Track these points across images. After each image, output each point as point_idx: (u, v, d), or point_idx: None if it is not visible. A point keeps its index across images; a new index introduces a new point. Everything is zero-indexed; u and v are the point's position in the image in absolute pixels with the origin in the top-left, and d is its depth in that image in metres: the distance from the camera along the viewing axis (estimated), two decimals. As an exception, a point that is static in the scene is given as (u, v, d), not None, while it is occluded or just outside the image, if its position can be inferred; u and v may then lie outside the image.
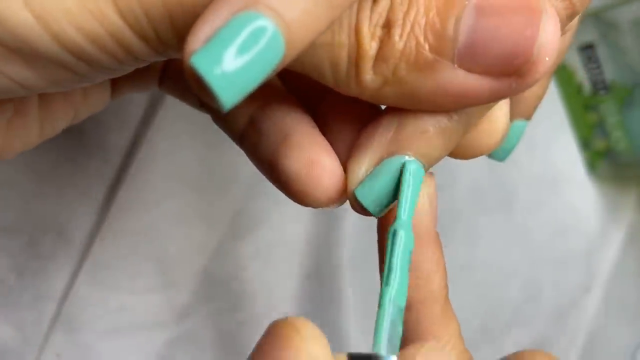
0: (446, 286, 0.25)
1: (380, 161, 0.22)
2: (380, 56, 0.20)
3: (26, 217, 0.35)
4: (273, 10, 0.17)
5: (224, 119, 0.25)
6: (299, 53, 0.18)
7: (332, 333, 0.41)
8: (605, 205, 0.47)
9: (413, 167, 0.22)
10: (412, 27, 0.20)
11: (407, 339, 0.24)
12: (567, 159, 0.47)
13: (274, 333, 0.19)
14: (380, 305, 0.22)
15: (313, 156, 0.23)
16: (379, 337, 0.21)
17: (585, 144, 0.46)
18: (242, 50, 0.16)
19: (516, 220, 0.45)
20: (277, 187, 0.24)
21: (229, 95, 0.16)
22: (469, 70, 0.20)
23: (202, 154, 0.38)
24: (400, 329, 0.22)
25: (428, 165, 0.22)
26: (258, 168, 0.25)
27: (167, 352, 0.38)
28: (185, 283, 0.38)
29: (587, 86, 0.45)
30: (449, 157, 0.37)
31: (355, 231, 0.41)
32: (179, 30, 0.19)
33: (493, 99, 0.21)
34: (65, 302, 0.36)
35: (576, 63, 0.45)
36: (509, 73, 0.20)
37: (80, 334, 0.36)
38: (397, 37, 0.20)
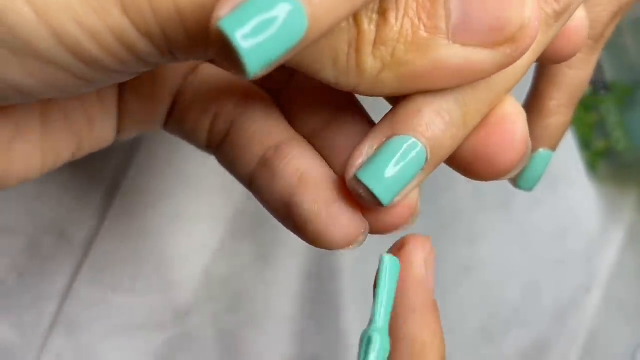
0: (443, 358, 0.24)
1: (380, 144, 0.22)
2: (378, 39, 0.20)
3: (26, 218, 0.35)
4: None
5: (232, 161, 0.25)
6: (320, 36, 0.18)
7: (332, 333, 0.41)
8: (605, 206, 0.47)
9: (387, 261, 0.22)
10: (406, 11, 0.20)
11: None
12: (567, 159, 0.47)
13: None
14: None
15: (331, 195, 0.23)
16: None
17: (585, 144, 0.46)
18: (267, 20, 0.17)
19: (516, 220, 0.45)
20: (291, 229, 0.24)
21: (253, 62, 0.17)
22: (464, 44, 0.20)
23: (202, 154, 0.38)
24: None
25: (432, 152, 0.22)
26: (269, 210, 0.24)
27: (167, 352, 0.38)
28: (185, 283, 0.38)
29: (587, 86, 0.45)
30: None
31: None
32: (188, 27, 0.19)
33: (492, 70, 0.21)
34: (66, 302, 0.36)
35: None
36: (503, 41, 0.21)
37: (80, 334, 0.37)
38: (393, 20, 0.20)
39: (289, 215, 0.23)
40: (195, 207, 0.38)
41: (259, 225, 0.40)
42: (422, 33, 0.20)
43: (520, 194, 0.45)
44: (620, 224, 0.48)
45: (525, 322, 0.46)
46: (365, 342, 0.21)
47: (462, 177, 0.41)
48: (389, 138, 0.22)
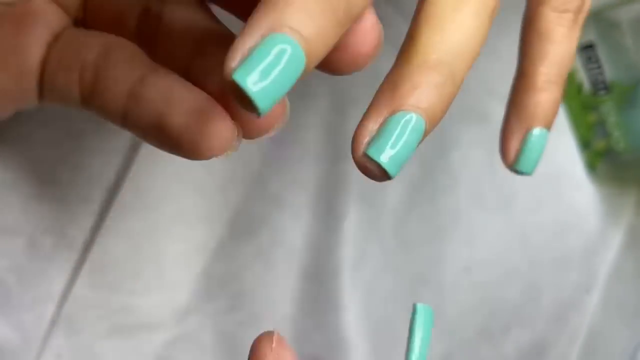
0: None
1: (385, 120, 0.23)
2: None
3: (26, 218, 0.35)
4: (295, 31, 0.20)
5: (103, 105, 0.25)
6: (316, 63, 0.20)
7: (332, 334, 0.41)
8: (605, 205, 0.47)
9: (423, 311, 0.23)
10: None
11: None
12: (567, 159, 0.47)
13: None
14: None
15: (200, 107, 0.24)
16: None
17: (585, 144, 0.46)
18: (272, 65, 0.19)
19: (516, 220, 0.45)
20: (167, 149, 0.25)
21: (265, 104, 0.19)
22: None
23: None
24: None
25: (429, 121, 0.23)
26: (146, 140, 0.25)
27: (166, 353, 0.38)
28: (185, 283, 0.38)
29: (587, 86, 0.45)
30: (449, 158, 0.37)
31: (355, 231, 0.41)
32: None
33: None
34: (65, 302, 0.36)
35: (576, 63, 0.45)
36: None
37: (80, 335, 0.37)
38: None
39: (163, 136, 0.24)
40: (195, 207, 0.38)
41: (259, 225, 0.40)
42: None
43: (520, 194, 0.45)
44: (620, 224, 0.47)
45: (525, 322, 0.46)
46: None
47: (463, 177, 0.41)
48: (390, 114, 0.23)
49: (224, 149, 0.24)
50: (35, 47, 0.26)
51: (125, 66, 0.25)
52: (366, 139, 0.23)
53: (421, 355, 0.22)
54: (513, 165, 0.31)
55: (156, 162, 0.37)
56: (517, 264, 0.45)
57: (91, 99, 0.25)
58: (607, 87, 0.44)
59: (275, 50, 0.19)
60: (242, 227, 0.39)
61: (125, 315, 0.37)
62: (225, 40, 0.25)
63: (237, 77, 0.19)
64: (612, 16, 0.43)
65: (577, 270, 0.47)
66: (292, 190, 0.40)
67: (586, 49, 0.44)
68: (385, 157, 0.23)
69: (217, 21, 0.26)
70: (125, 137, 0.36)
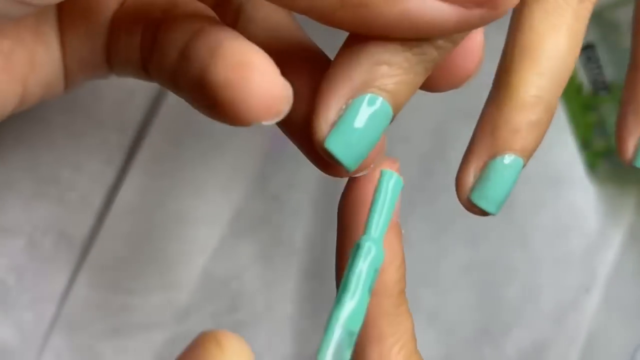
0: (402, 280, 0.24)
1: (485, 165, 0.23)
2: None
3: (26, 218, 0.35)
4: (382, 90, 0.20)
5: (156, 71, 0.23)
6: (402, 107, 0.21)
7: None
8: (605, 206, 0.47)
9: (394, 179, 0.22)
10: None
11: None
12: (567, 159, 0.47)
13: (197, 345, 0.18)
14: (327, 327, 0.19)
15: (242, 58, 0.20)
16: None
17: (585, 144, 0.46)
18: (362, 126, 0.20)
19: (516, 220, 0.45)
20: (211, 113, 0.21)
21: (355, 164, 0.21)
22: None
23: (202, 153, 0.38)
24: (347, 355, 0.19)
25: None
26: (194, 105, 0.22)
27: (166, 353, 0.38)
28: (185, 283, 0.38)
29: (587, 86, 0.45)
30: (449, 158, 0.37)
31: (355, 231, 0.41)
32: None
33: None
34: (65, 303, 0.36)
35: (576, 63, 0.45)
36: (482, 3, 0.20)
37: (80, 335, 0.36)
38: None
39: (205, 96, 0.21)
40: (196, 207, 0.38)
41: (259, 225, 0.40)
42: None
43: (520, 194, 0.45)
44: (620, 224, 0.47)
45: (525, 322, 0.46)
46: (355, 251, 0.20)
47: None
48: (490, 158, 0.24)
49: (268, 111, 0.20)
50: (103, 7, 0.24)
51: (184, 23, 0.22)
52: (469, 185, 0.24)
53: (383, 225, 0.21)
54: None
55: (156, 162, 0.37)
56: (517, 264, 0.45)
57: (149, 62, 0.23)
58: (607, 87, 0.44)
59: (364, 112, 0.20)
60: (242, 227, 0.39)
61: (125, 315, 0.37)
62: (309, 55, 0.23)
63: (330, 146, 0.20)
64: (612, 16, 0.42)
65: (577, 270, 0.47)
66: (292, 190, 0.40)
67: (586, 49, 0.44)
68: (487, 204, 0.24)
69: (304, 33, 0.24)
70: (125, 137, 0.36)
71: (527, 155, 0.24)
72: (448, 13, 0.20)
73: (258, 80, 0.20)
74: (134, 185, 0.36)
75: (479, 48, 0.23)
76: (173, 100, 0.36)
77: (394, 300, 0.23)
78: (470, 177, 0.24)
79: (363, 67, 0.21)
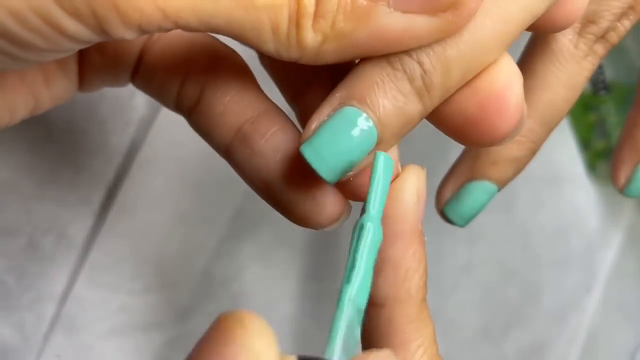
0: (425, 287, 0.24)
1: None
2: (318, 13, 0.20)
3: (26, 218, 0.35)
4: (363, 105, 0.21)
5: (206, 130, 0.25)
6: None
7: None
8: (605, 205, 0.47)
9: (383, 159, 0.21)
10: None
11: (377, 338, 0.23)
12: (567, 159, 0.47)
13: (219, 326, 0.18)
14: (338, 305, 0.21)
15: (315, 181, 0.23)
16: (333, 341, 0.20)
17: (585, 144, 0.46)
18: (337, 136, 0.21)
19: (516, 220, 0.45)
20: (275, 207, 0.24)
21: (330, 175, 0.21)
22: (405, 11, 0.20)
23: (202, 153, 0.38)
24: (358, 333, 0.20)
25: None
26: (250, 185, 0.25)
27: (166, 353, 0.38)
28: (185, 283, 0.38)
29: (587, 86, 0.45)
30: (449, 158, 0.37)
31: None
32: (120, 6, 0.18)
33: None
34: (65, 303, 0.36)
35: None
36: (444, 7, 0.20)
37: (80, 335, 0.36)
38: None
39: (271, 195, 0.24)
40: (195, 207, 0.38)
41: (259, 225, 0.40)
42: (362, 1, 0.20)
43: (520, 194, 0.45)
44: (620, 224, 0.47)
45: (525, 322, 0.46)
46: (358, 231, 0.21)
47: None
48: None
49: (333, 223, 0.24)
50: (132, 49, 0.25)
51: (236, 95, 0.24)
52: (446, 199, 0.29)
53: (380, 203, 0.21)
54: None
55: (156, 162, 0.37)
56: (517, 264, 0.45)
57: (191, 117, 0.25)
58: (607, 87, 0.44)
59: (340, 123, 0.21)
60: (242, 227, 0.39)
61: (125, 315, 0.37)
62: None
63: (303, 150, 0.21)
64: (612, 16, 0.42)
65: (577, 270, 0.47)
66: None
67: (586, 49, 0.44)
68: (457, 218, 0.30)
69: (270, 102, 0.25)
70: (125, 137, 0.36)
71: (502, 184, 0.27)
72: (417, 23, 0.20)
73: (329, 204, 0.23)
74: (134, 185, 0.36)
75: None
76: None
77: (417, 307, 0.24)
78: (447, 193, 0.28)
79: (352, 81, 0.22)
